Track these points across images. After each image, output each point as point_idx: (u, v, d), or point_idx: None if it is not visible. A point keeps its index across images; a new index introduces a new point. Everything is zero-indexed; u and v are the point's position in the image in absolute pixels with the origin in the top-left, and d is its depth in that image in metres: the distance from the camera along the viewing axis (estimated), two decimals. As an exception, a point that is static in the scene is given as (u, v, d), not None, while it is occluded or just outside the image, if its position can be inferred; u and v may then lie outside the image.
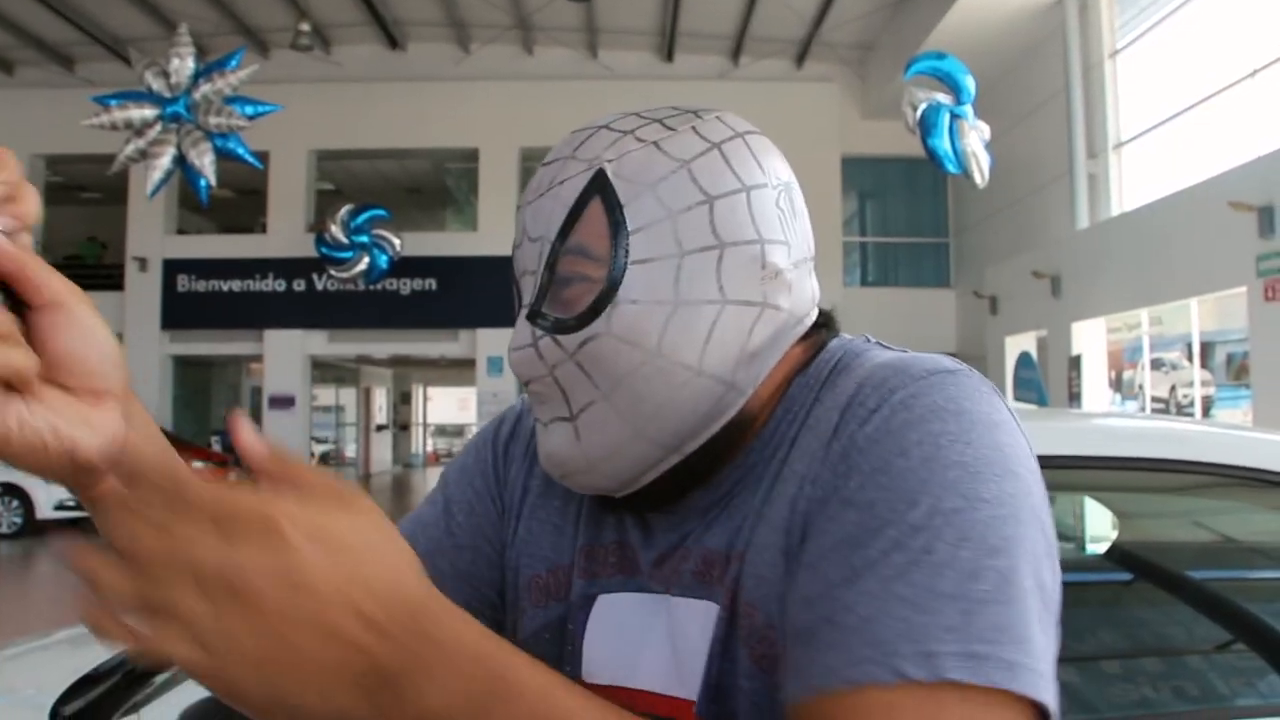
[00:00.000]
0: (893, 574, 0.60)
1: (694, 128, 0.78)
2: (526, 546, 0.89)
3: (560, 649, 0.83)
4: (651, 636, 0.79)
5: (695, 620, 0.76)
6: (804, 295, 0.80)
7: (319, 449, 25.01)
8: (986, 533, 0.61)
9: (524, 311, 0.78)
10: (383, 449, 28.07)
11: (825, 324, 0.84)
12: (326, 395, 25.37)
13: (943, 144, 11.76)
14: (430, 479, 25.56)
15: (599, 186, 0.76)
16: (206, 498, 0.47)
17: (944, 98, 11.66)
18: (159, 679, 2.07)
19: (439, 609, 0.52)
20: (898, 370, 0.71)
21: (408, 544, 0.55)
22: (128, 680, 2.15)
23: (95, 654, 2.47)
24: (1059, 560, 0.65)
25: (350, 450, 27.03)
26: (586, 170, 0.76)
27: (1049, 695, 0.58)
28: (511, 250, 0.82)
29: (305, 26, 16.81)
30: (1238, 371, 11.18)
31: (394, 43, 19.02)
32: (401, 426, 29.85)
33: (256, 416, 20.46)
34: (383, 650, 0.49)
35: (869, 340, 0.83)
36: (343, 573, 0.48)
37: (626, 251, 0.75)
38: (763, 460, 0.77)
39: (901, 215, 20.37)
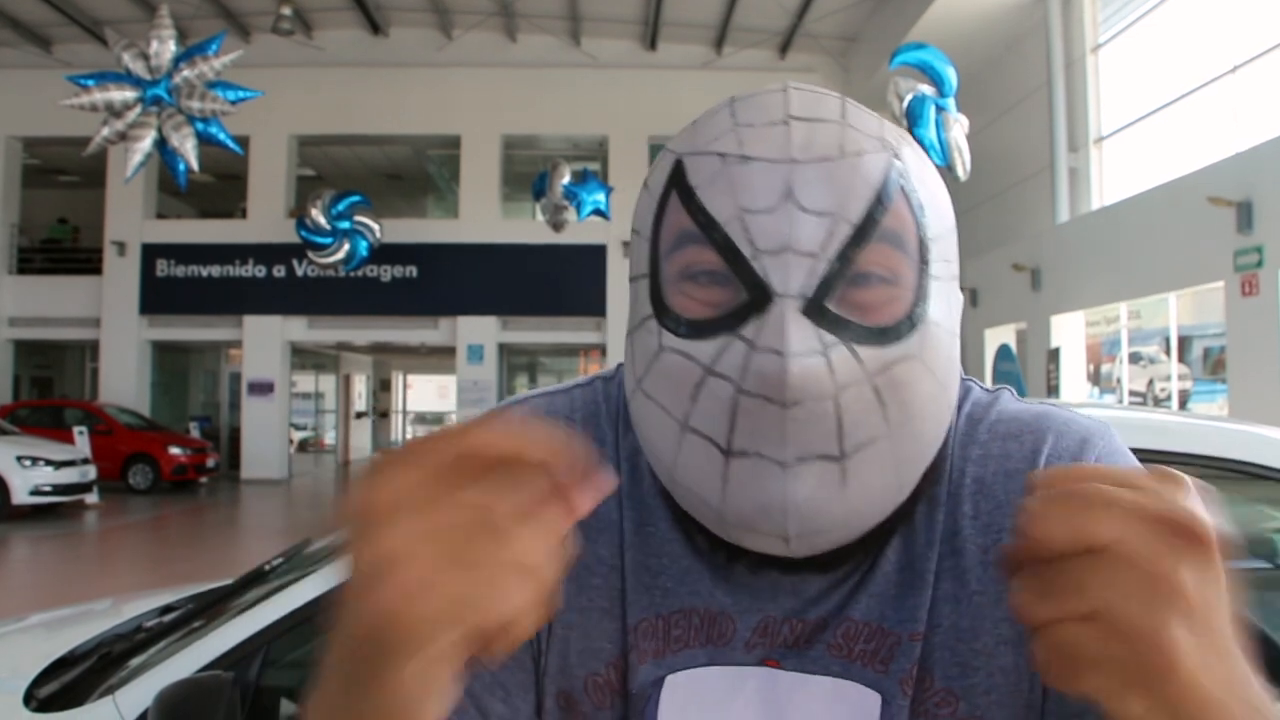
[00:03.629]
0: None
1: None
2: (573, 644, 0.70)
3: None
4: (745, 716, 0.67)
5: (828, 704, 0.66)
6: None
7: (298, 436, 24.91)
8: None
9: (794, 303, 0.58)
10: (362, 436, 27.93)
11: None
12: (306, 382, 25.26)
13: (928, 135, 11.76)
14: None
15: (901, 176, 0.62)
16: None
17: (927, 89, 11.67)
18: (133, 662, 2.06)
19: None
20: (1083, 440, 0.68)
21: None
22: (102, 663, 2.14)
23: (70, 637, 2.46)
24: None
25: (329, 437, 26.95)
26: (883, 150, 0.62)
27: None
28: (698, 212, 0.62)
29: (287, 10, 16.66)
30: (1214, 365, 11.27)
31: (376, 28, 18.90)
32: (381, 414, 29.72)
33: (235, 403, 20.36)
34: None
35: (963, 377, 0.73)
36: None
37: (928, 261, 0.63)
38: (906, 519, 0.68)
39: (883, 207, 20.39)
